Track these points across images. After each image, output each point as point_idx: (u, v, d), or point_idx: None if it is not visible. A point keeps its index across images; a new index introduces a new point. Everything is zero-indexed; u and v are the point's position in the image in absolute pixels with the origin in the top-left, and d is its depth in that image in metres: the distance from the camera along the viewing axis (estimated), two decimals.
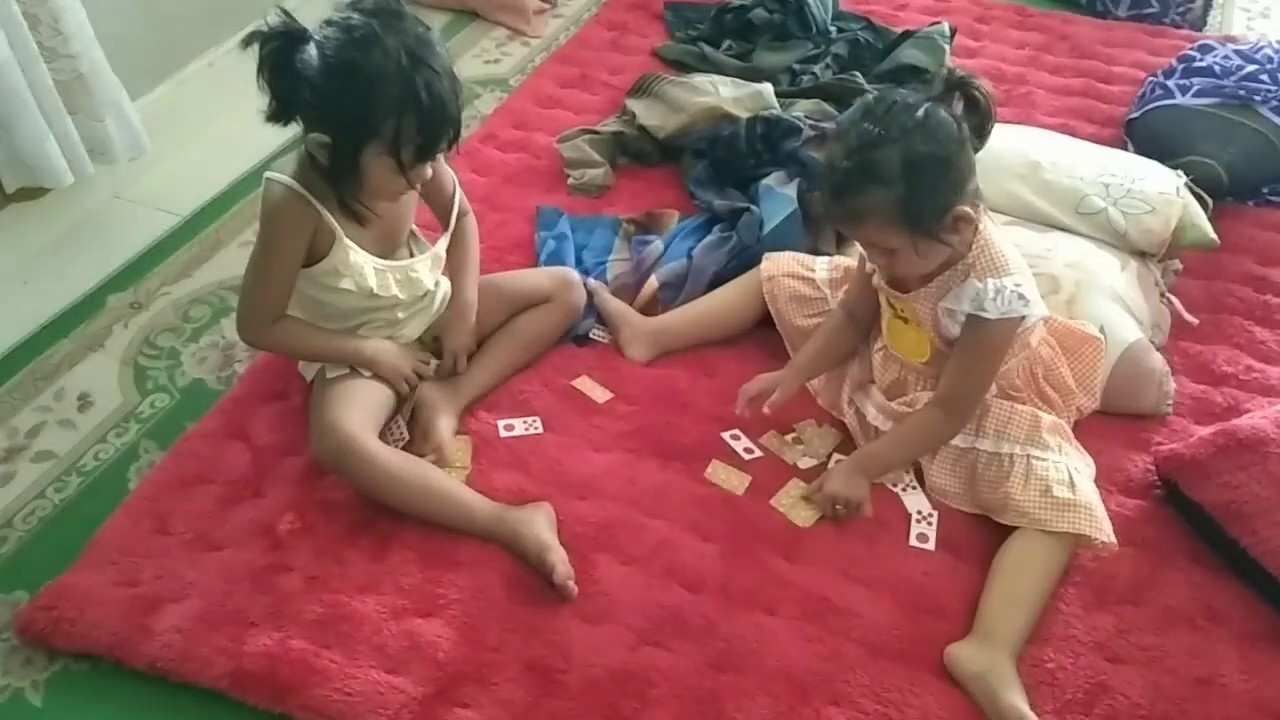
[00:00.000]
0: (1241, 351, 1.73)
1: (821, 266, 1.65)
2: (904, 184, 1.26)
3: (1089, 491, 1.39)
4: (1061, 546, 1.36)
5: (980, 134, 1.32)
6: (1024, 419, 1.43)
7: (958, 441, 1.45)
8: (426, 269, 1.55)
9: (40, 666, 1.31)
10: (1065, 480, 1.38)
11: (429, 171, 1.38)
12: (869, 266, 1.48)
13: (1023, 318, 1.35)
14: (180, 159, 2.17)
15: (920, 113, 1.27)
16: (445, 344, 1.59)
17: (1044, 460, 1.40)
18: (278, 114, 1.33)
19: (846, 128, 1.30)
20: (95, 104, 1.84)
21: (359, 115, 1.29)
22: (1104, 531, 1.36)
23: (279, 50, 1.28)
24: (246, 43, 1.28)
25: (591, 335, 1.71)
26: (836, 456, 1.54)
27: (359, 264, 1.44)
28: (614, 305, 1.71)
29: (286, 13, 1.30)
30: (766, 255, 1.68)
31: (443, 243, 1.58)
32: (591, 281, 1.73)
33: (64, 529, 1.47)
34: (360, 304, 1.50)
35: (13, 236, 1.91)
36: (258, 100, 1.32)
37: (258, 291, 1.45)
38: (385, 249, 1.50)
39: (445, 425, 1.51)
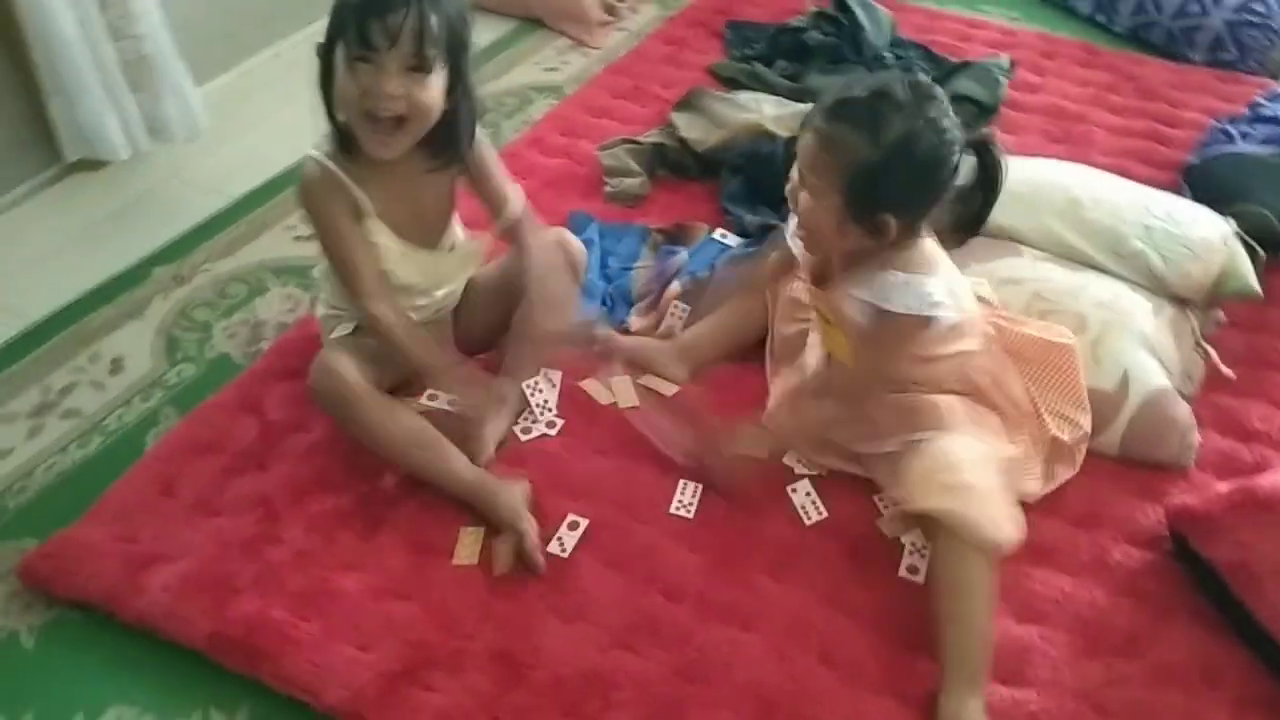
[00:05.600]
0: (1278, 409, 1.66)
1: None
2: (881, 156, 1.24)
3: (985, 481, 1.30)
4: (975, 552, 1.26)
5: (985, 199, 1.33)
6: (933, 406, 1.40)
7: (891, 446, 1.42)
8: (456, 263, 1.57)
9: (38, 612, 1.36)
10: (960, 461, 1.31)
11: (386, 83, 1.32)
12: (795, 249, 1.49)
13: (929, 320, 1.32)
14: (240, 144, 2.24)
15: (946, 125, 1.26)
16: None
17: (943, 441, 1.35)
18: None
19: (888, 78, 1.29)
20: (157, 84, 1.92)
21: (333, 7, 1.33)
22: (990, 519, 1.26)
23: None
24: None
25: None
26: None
27: (382, 244, 1.46)
28: (633, 342, 1.69)
29: None
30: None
31: (480, 242, 1.59)
32: (601, 332, 1.69)
33: (79, 484, 1.53)
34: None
35: (73, 205, 2.00)
36: (313, 93, 1.38)
37: (341, 269, 1.46)
38: (419, 237, 1.51)
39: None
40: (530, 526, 1.38)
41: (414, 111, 1.36)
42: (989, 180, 1.31)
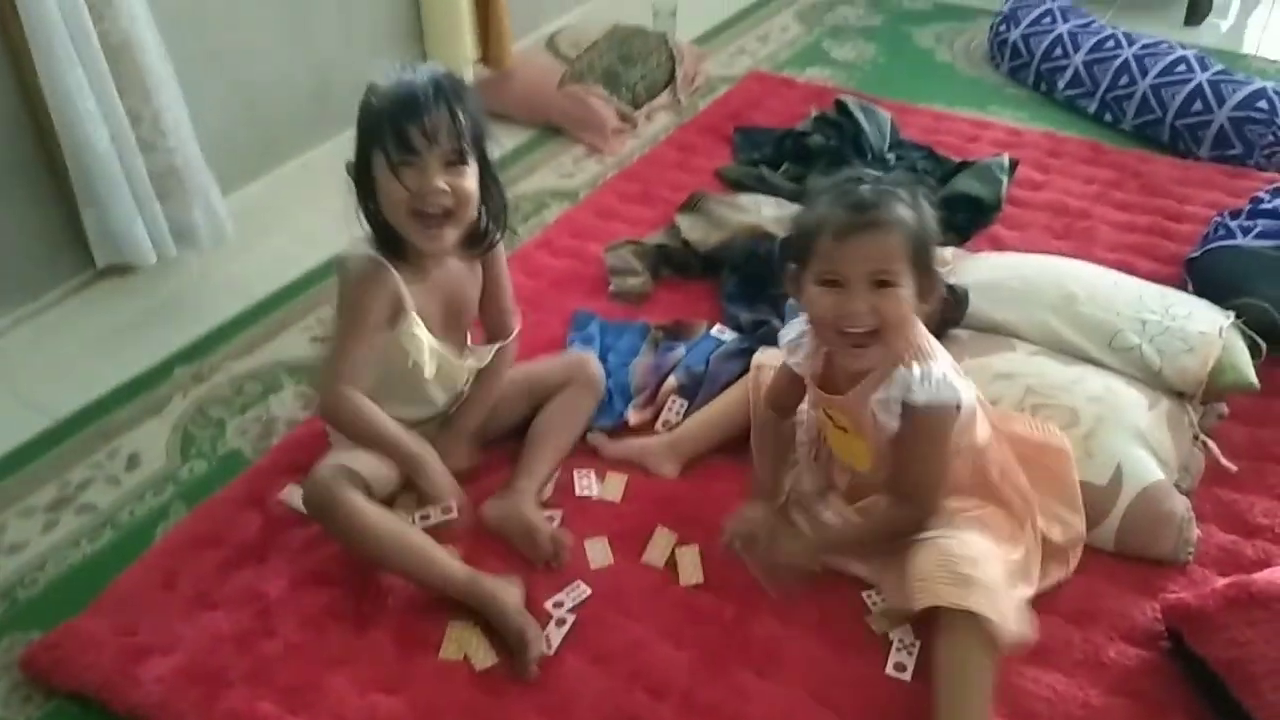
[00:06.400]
0: None
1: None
2: (916, 217, 1.31)
3: (996, 578, 1.30)
4: (980, 648, 1.26)
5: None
6: (946, 510, 1.40)
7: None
8: (463, 370, 1.65)
9: (37, 704, 1.39)
10: (970, 557, 1.30)
11: (432, 180, 1.42)
12: (795, 365, 1.49)
13: (957, 406, 1.33)
14: (265, 248, 2.34)
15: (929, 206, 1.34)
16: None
17: (952, 538, 1.34)
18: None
19: (874, 180, 1.36)
20: (186, 193, 2.03)
21: (361, 120, 1.43)
22: (1002, 615, 1.25)
23: None
24: None
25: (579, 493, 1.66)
26: None
27: (420, 339, 1.53)
28: (623, 445, 1.72)
29: None
30: (761, 348, 1.72)
31: (485, 353, 1.67)
32: (591, 437, 1.73)
33: (88, 577, 1.57)
34: (404, 378, 1.59)
35: (104, 307, 2.10)
36: (341, 200, 1.48)
37: (341, 358, 1.51)
38: (446, 333, 1.59)
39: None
40: (537, 635, 1.39)
41: (460, 201, 1.46)
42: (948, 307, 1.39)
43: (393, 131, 1.40)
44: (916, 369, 1.32)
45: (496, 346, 1.67)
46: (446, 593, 1.44)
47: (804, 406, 1.58)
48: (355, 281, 1.49)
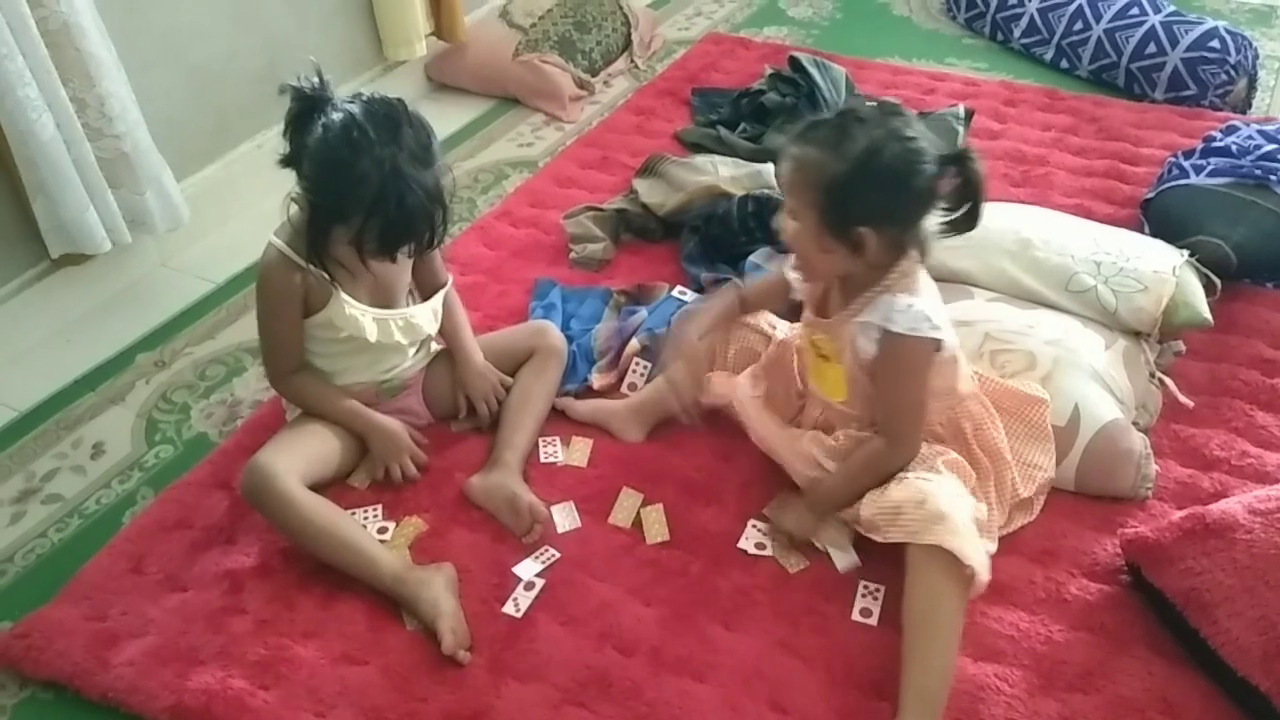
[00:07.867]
0: (1239, 436, 1.65)
1: (783, 329, 1.66)
2: (847, 169, 1.28)
3: (965, 518, 1.31)
4: (950, 588, 1.28)
5: (969, 218, 1.34)
6: (924, 452, 1.41)
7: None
8: (426, 318, 1.65)
9: (11, 693, 1.39)
10: (946, 497, 1.32)
11: (391, 263, 1.50)
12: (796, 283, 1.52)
13: (936, 342, 1.34)
14: (224, 232, 2.33)
15: (912, 135, 1.30)
16: (470, 397, 1.69)
17: (929, 480, 1.35)
18: (288, 162, 1.47)
19: (854, 102, 1.35)
20: (137, 179, 2.00)
21: (335, 202, 1.42)
22: (972, 555, 1.27)
23: (301, 111, 1.43)
24: (283, 90, 1.44)
25: (543, 460, 1.67)
26: None
27: (355, 316, 1.54)
28: (589, 407, 1.73)
29: (321, 75, 1.43)
30: None
31: (438, 297, 1.68)
32: (560, 400, 1.74)
33: (56, 566, 1.57)
34: (353, 348, 1.60)
35: (60, 298, 2.08)
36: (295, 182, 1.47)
37: (266, 344, 1.61)
38: (381, 303, 1.60)
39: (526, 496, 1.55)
40: (448, 627, 1.36)
41: None
42: (971, 191, 1.32)
43: (378, 243, 1.43)
44: (901, 299, 1.33)
45: (441, 292, 1.69)
46: (375, 587, 1.43)
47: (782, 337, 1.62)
48: (261, 275, 1.54)
